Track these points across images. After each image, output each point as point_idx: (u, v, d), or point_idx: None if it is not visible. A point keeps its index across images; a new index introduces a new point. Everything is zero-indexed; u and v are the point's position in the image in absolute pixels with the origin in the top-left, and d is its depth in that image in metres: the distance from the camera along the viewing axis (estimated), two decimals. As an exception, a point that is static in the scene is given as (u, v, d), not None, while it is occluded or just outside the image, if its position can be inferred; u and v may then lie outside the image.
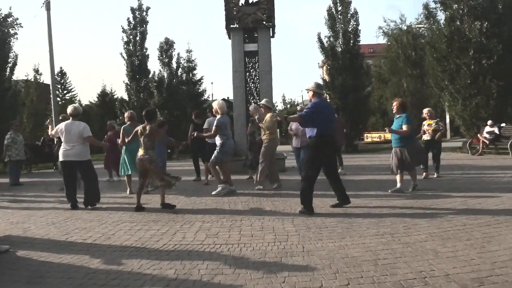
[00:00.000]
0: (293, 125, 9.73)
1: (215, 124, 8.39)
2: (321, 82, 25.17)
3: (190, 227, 5.58)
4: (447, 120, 32.26)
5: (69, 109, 7.64)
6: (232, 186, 8.61)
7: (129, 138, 7.73)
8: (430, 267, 3.68)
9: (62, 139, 7.49)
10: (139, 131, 7.14)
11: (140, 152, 7.09)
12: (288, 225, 5.50)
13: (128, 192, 9.01)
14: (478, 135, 16.96)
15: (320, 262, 3.94)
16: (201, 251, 4.48)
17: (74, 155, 7.34)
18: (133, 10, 26.25)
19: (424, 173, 9.93)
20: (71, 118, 7.54)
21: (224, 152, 8.40)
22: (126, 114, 9.45)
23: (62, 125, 7.57)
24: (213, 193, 8.37)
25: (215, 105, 8.66)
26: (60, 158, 7.53)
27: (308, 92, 6.59)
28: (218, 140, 8.51)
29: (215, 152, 8.44)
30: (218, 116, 8.43)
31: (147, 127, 7.10)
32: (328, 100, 24.54)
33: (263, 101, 9.41)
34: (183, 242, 4.84)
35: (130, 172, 8.99)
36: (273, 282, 3.50)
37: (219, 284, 3.52)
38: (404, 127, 7.85)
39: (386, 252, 4.19)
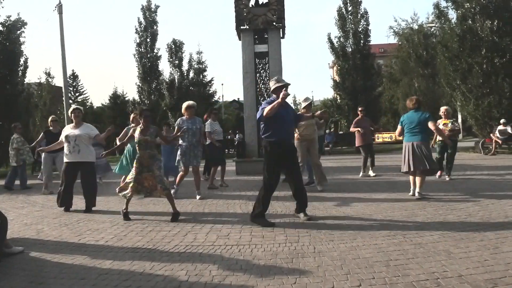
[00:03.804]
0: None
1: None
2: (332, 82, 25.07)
3: (201, 228, 5.60)
4: (459, 120, 31.98)
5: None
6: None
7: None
8: (443, 268, 3.65)
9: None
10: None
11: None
12: (299, 226, 5.49)
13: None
14: (491, 134, 16.82)
15: (332, 263, 3.93)
16: (212, 252, 4.49)
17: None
18: (143, 9, 26.36)
19: (439, 172, 9.63)
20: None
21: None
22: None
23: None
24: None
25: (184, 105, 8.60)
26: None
27: None
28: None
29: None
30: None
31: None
32: (339, 101, 24.49)
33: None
34: (194, 243, 4.85)
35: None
36: (284, 283, 3.50)
37: (230, 285, 3.52)
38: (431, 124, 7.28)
39: (398, 253, 4.17)
